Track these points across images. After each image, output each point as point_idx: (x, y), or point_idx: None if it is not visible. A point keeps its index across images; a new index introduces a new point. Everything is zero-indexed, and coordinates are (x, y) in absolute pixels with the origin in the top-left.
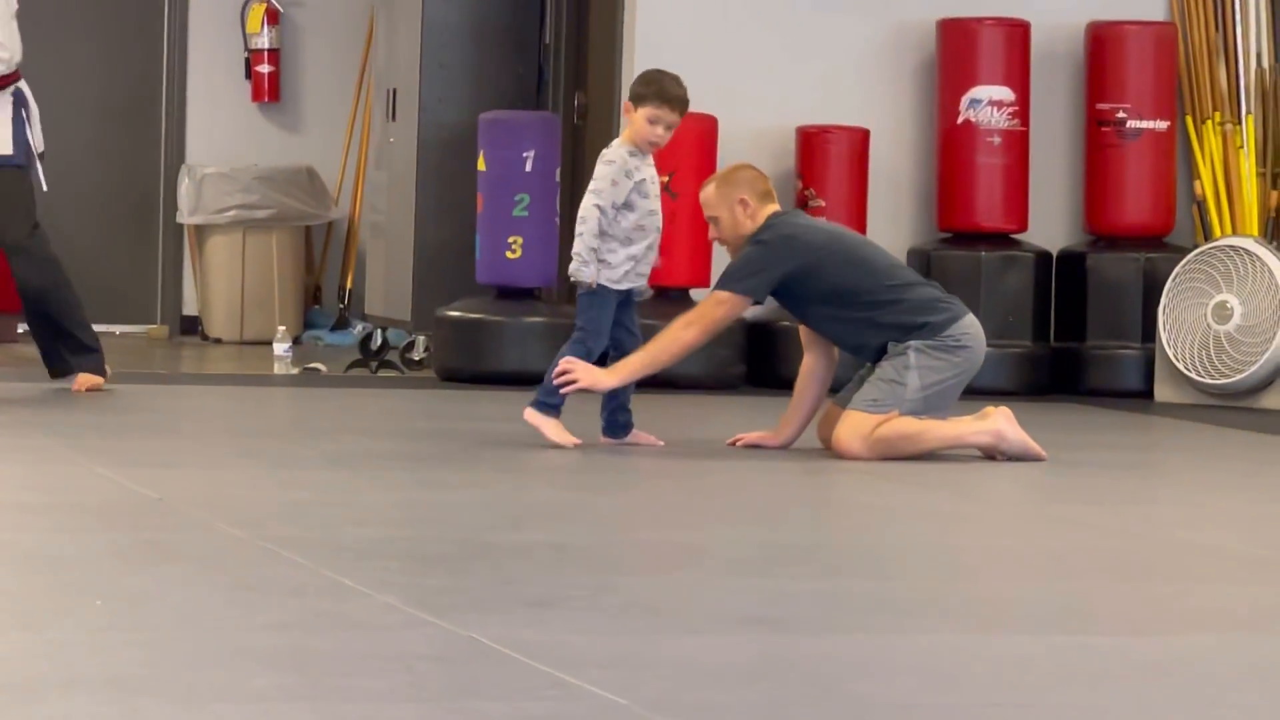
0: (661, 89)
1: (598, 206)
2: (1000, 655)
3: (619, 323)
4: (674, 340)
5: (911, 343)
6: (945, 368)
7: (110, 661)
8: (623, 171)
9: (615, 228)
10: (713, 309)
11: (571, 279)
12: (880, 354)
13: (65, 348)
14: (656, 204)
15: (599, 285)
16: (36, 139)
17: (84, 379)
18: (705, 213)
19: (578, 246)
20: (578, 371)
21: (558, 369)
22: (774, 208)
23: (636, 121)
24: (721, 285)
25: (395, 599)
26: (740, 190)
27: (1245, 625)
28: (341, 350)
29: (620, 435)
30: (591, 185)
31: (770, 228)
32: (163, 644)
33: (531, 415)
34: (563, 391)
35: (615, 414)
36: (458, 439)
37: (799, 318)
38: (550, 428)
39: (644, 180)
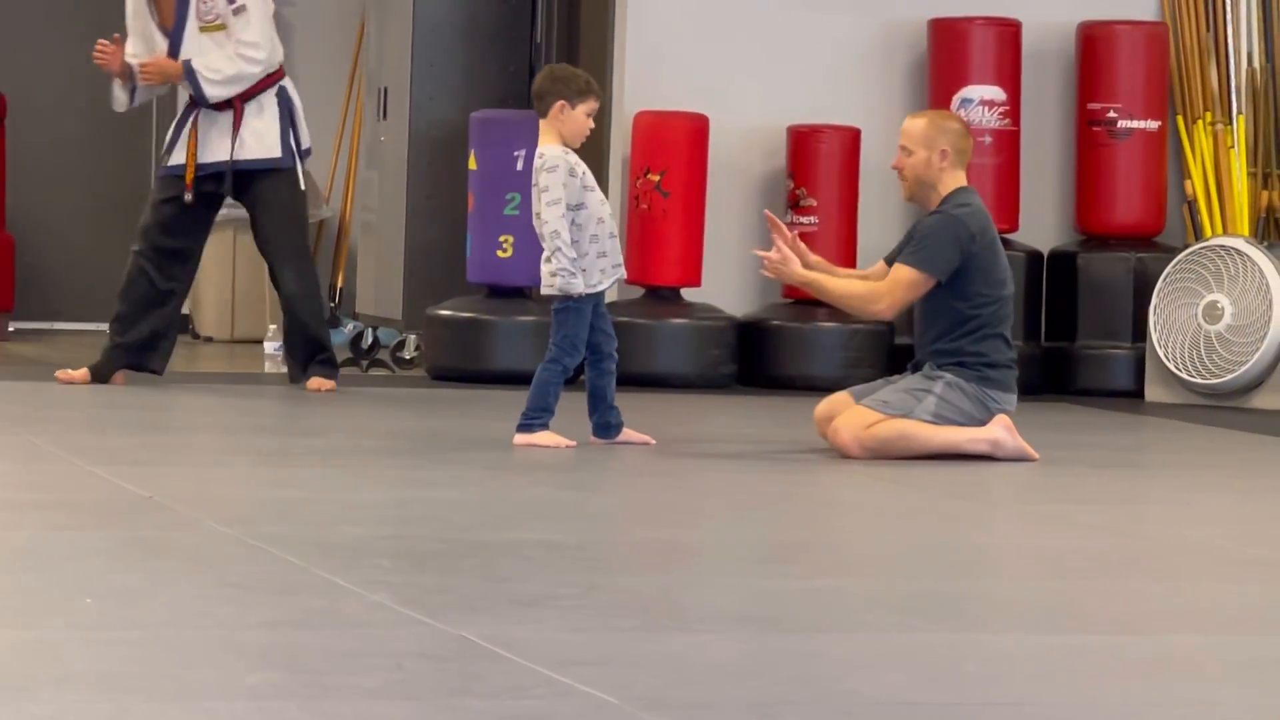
0: (590, 83)
1: (563, 216)
2: (991, 653)
3: (593, 326)
4: (868, 305)
5: (946, 374)
6: (961, 413)
7: (101, 659)
8: (567, 172)
9: (578, 230)
10: (908, 289)
11: (560, 292)
12: (924, 365)
13: (308, 354)
14: (599, 191)
15: (579, 295)
16: (303, 137)
17: (319, 382)
18: (903, 141)
19: (559, 262)
20: (776, 260)
21: (767, 255)
22: (962, 175)
23: (575, 119)
24: (915, 263)
25: (386, 597)
26: (947, 140)
27: (1235, 624)
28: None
29: (611, 435)
30: (545, 197)
31: (968, 205)
32: (154, 642)
33: (520, 439)
34: (768, 271)
35: (605, 414)
36: (449, 438)
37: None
38: (542, 439)
39: (585, 172)
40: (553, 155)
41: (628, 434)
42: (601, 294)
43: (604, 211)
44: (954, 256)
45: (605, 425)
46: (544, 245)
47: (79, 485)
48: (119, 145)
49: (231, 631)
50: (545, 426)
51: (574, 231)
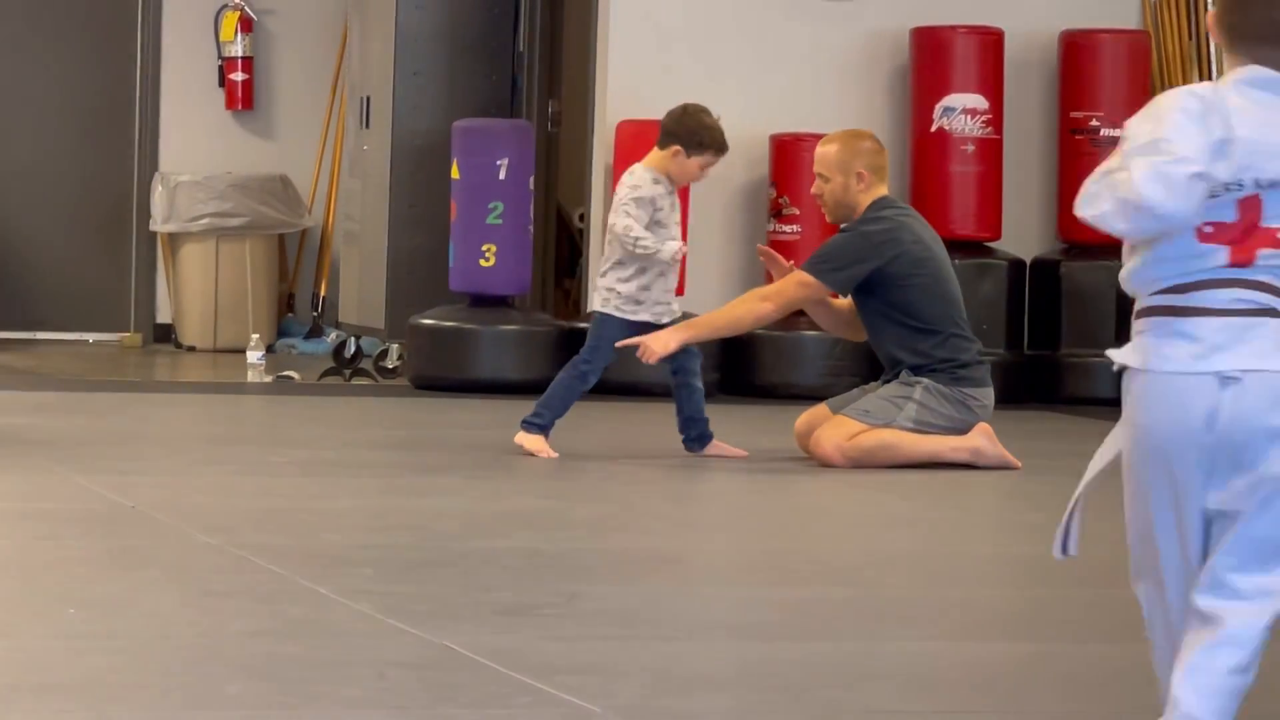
0: (716, 140)
1: (630, 214)
2: (974, 661)
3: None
4: (749, 311)
5: (924, 380)
6: (943, 417)
7: (83, 668)
8: (648, 200)
9: (627, 257)
10: (795, 288)
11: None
12: (897, 372)
13: None
14: (675, 232)
15: (604, 311)
16: None
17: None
18: (817, 168)
19: (646, 247)
20: (647, 344)
21: (631, 344)
22: (884, 189)
23: (686, 166)
24: (812, 268)
25: (369, 606)
26: (861, 161)
27: None
28: (315, 358)
29: (700, 448)
30: (624, 209)
31: (879, 220)
32: (136, 651)
33: (518, 437)
34: (645, 359)
35: (690, 427)
36: (431, 447)
37: (856, 301)
38: (530, 443)
39: (662, 209)
40: (642, 178)
41: (718, 445)
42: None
43: (665, 249)
44: (854, 270)
45: (694, 438)
46: (608, 252)
47: (61, 495)
48: (101, 154)
49: (213, 641)
50: (541, 430)
51: (623, 255)
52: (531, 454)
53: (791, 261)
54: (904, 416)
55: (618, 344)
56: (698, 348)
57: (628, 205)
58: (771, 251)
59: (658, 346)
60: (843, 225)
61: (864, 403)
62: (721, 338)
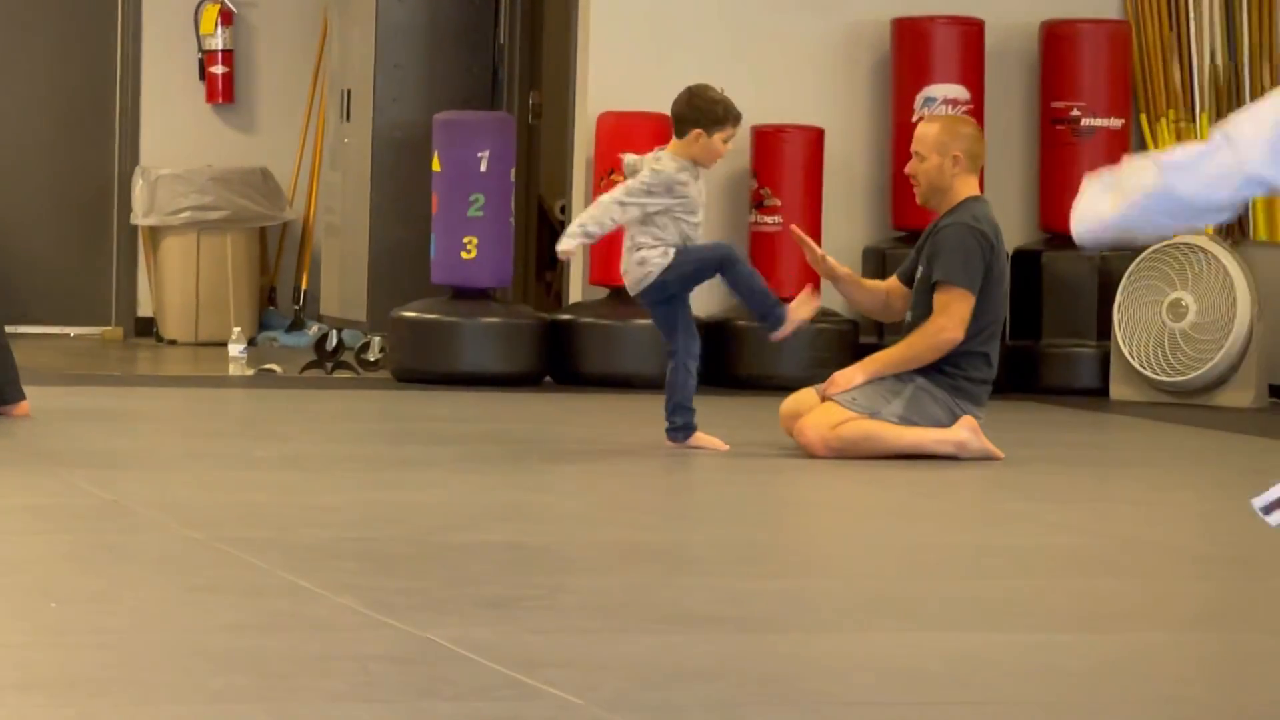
0: (728, 110)
1: (621, 204)
2: (957, 652)
3: (680, 324)
4: (932, 347)
5: (919, 379)
6: (929, 419)
7: (66, 664)
8: (665, 185)
9: (663, 240)
10: (962, 307)
11: (557, 248)
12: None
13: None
14: (699, 215)
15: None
16: None
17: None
18: (915, 147)
19: (580, 219)
20: (835, 381)
21: (821, 390)
22: (974, 180)
23: (711, 146)
24: (955, 280)
25: (352, 600)
26: (960, 145)
27: (1201, 622)
28: (297, 351)
29: (683, 438)
30: (630, 183)
31: (985, 219)
32: (119, 646)
33: (699, 439)
34: (830, 394)
35: (676, 415)
36: (414, 440)
37: (917, 291)
38: (701, 440)
39: (688, 197)
40: (666, 165)
41: (700, 438)
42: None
43: (696, 235)
44: (981, 267)
45: (680, 428)
46: (629, 233)
47: (43, 488)
48: (81, 148)
49: (197, 635)
50: (692, 430)
51: (659, 235)
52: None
53: (823, 251)
54: (890, 410)
55: (775, 338)
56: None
57: (628, 183)
58: (801, 234)
59: (844, 383)
60: (940, 216)
61: (853, 390)
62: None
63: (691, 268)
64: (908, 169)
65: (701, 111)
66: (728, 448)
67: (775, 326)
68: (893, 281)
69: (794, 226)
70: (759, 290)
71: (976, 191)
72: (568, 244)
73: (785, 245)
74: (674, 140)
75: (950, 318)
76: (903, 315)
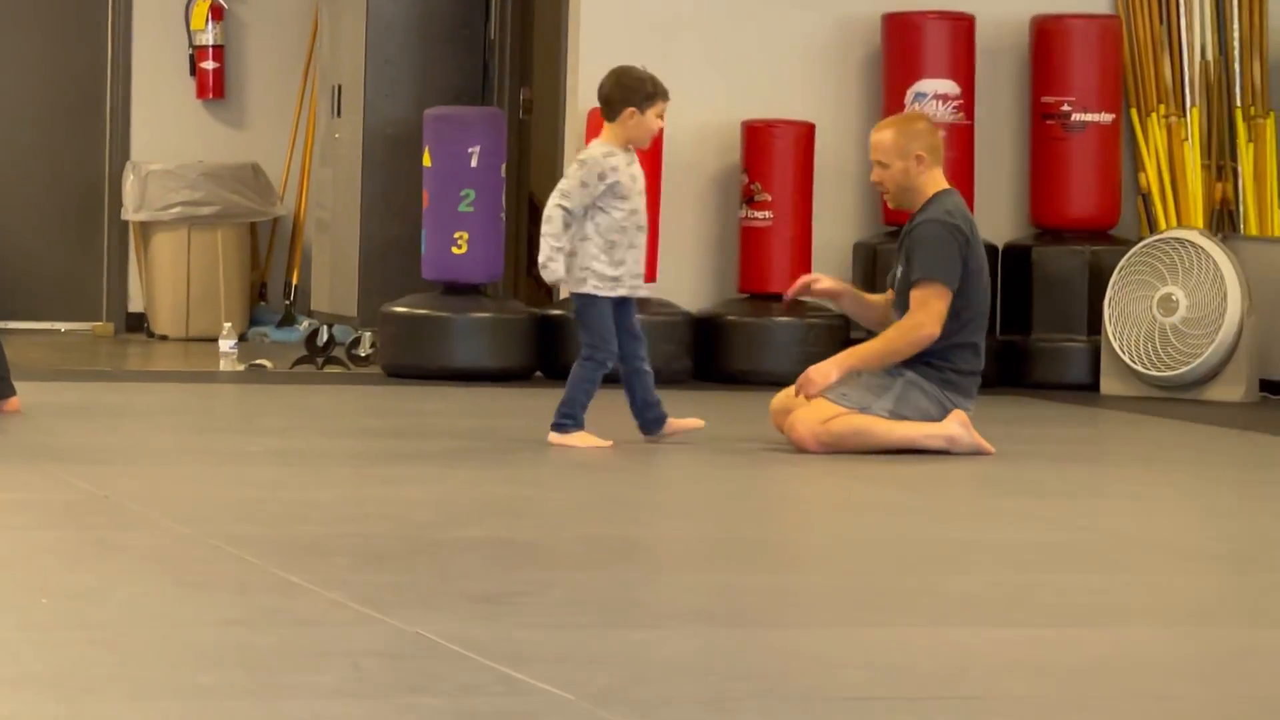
0: (656, 85)
1: (562, 207)
2: (947, 648)
3: (620, 326)
4: (910, 342)
5: (909, 372)
6: (919, 412)
7: (56, 659)
8: (595, 174)
9: (596, 232)
10: (939, 303)
11: (543, 279)
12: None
13: None
14: (639, 202)
15: (584, 292)
16: None
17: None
18: (875, 156)
19: (542, 248)
20: (810, 378)
21: (797, 387)
22: (940, 172)
23: (644, 123)
24: (932, 276)
25: (342, 595)
26: (918, 143)
27: (1192, 617)
28: (287, 347)
29: (657, 430)
30: (560, 185)
31: (957, 212)
32: (109, 641)
33: (554, 437)
34: (807, 394)
35: (645, 411)
36: (404, 435)
37: (899, 284)
38: (576, 439)
39: (618, 182)
40: (590, 153)
41: (673, 424)
42: (624, 300)
43: (631, 222)
44: (959, 262)
45: (650, 421)
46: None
47: (33, 484)
48: (72, 143)
49: (187, 630)
50: (579, 426)
51: (590, 232)
52: (586, 447)
53: (812, 276)
54: (881, 405)
55: (550, 439)
56: (642, 332)
57: (566, 181)
58: (792, 292)
59: (820, 380)
60: (914, 214)
61: (843, 386)
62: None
63: (579, 318)
64: (873, 178)
65: (631, 90)
66: (703, 423)
67: (553, 428)
68: (890, 294)
69: (787, 295)
70: (567, 393)
71: (944, 184)
72: (555, 271)
73: (775, 240)
74: (605, 127)
75: (928, 314)
76: None
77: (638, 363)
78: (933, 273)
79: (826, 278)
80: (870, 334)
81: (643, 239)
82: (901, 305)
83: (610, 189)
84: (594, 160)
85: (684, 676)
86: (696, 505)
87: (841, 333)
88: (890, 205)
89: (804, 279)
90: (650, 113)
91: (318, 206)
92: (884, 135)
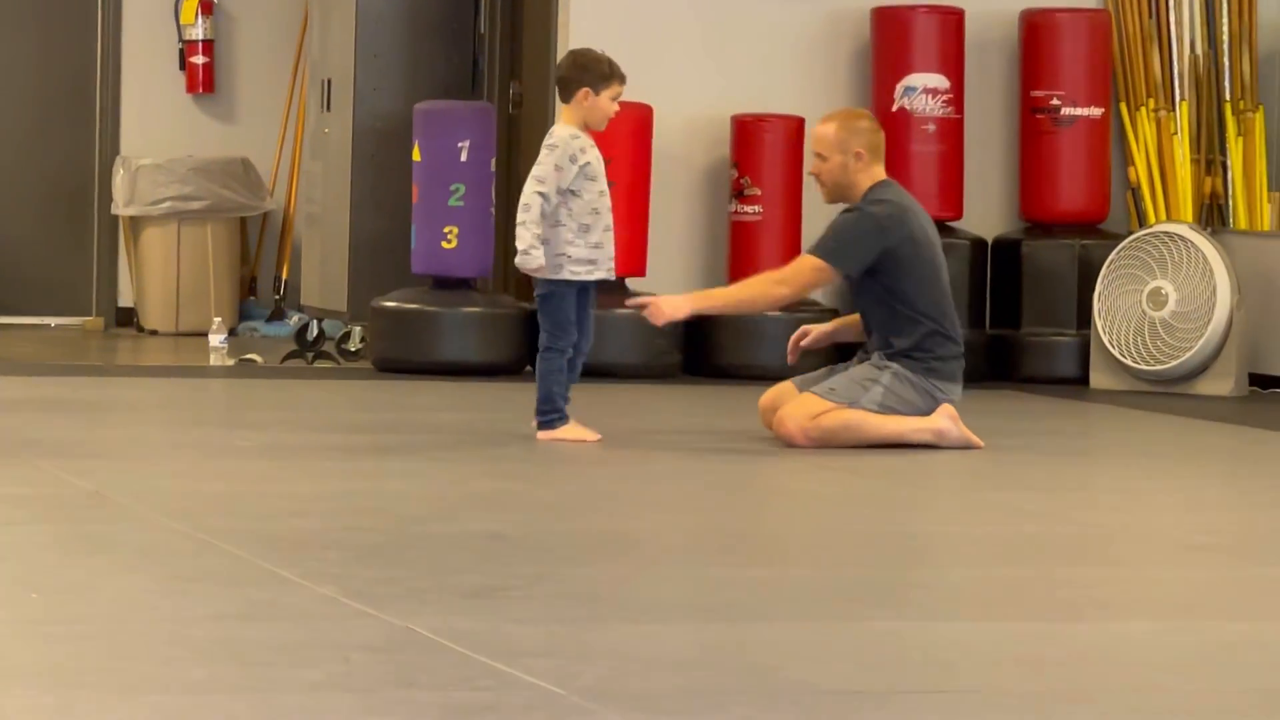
0: (613, 67)
1: (540, 194)
2: (938, 641)
3: (576, 316)
4: (764, 294)
5: (894, 364)
6: (908, 405)
7: (46, 654)
8: (567, 156)
9: (570, 216)
10: (810, 273)
11: (520, 269)
12: (875, 354)
13: None
14: (604, 184)
15: (559, 280)
16: None
17: None
18: (815, 148)
19: (521, 235)
20: (659, 305)
21: (647, 311)
22: (880, 169)
23: (599, 104)
24: (823, 253)
25: (332, 590)
26: (859, 140)
27: (1180, 610)
28: (277, 341)
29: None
30: (534, 171)
31: (884, 202)
32: (99, 636)
33: (544, 435)
34: (654, 320)
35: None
36: (394, 430)
37: (852, 282)
38: (565, 432)
39: (589, 163)
40: (558, 135)
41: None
42: (587, 285)
43: (601, 204)
44: (865, 253)
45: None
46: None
47: (23, 478)
48: (62, 138)
49: (177, 625)
50: (565, 420)
51: (564, 217)
52: (575, 440)
53: (801, 331)
54: (869, 399)
55: (629, 302)
56: (591, 329)
57: (540, 167)
58: (791, 354)
59: (669, 310)
60: (844, 207)
61: (832, 380)
62: (730, 314)
63: (538, 305)
64: (811, 169)
65: (586, 69)
66: (599, 437)
67: (540, 425)
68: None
69: (790, 360)
70: (541, 388)
71: (882, 178)
72: (537, 258)
73: (765, 235)
74: (562, 109)
75: (794, 277)
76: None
77: (577, 356)
78: (818, 249)
79: (813, 327)
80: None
81: (611, 221)
82: (859, 298)
83: (582, 171)
84: (565, 142)
85: (674, 670)
86: (687, 499)
87: None
88: (825, 200)
89: (794, 340)
90: (605, 94)
91: (307, 201)
92: (827, 128)
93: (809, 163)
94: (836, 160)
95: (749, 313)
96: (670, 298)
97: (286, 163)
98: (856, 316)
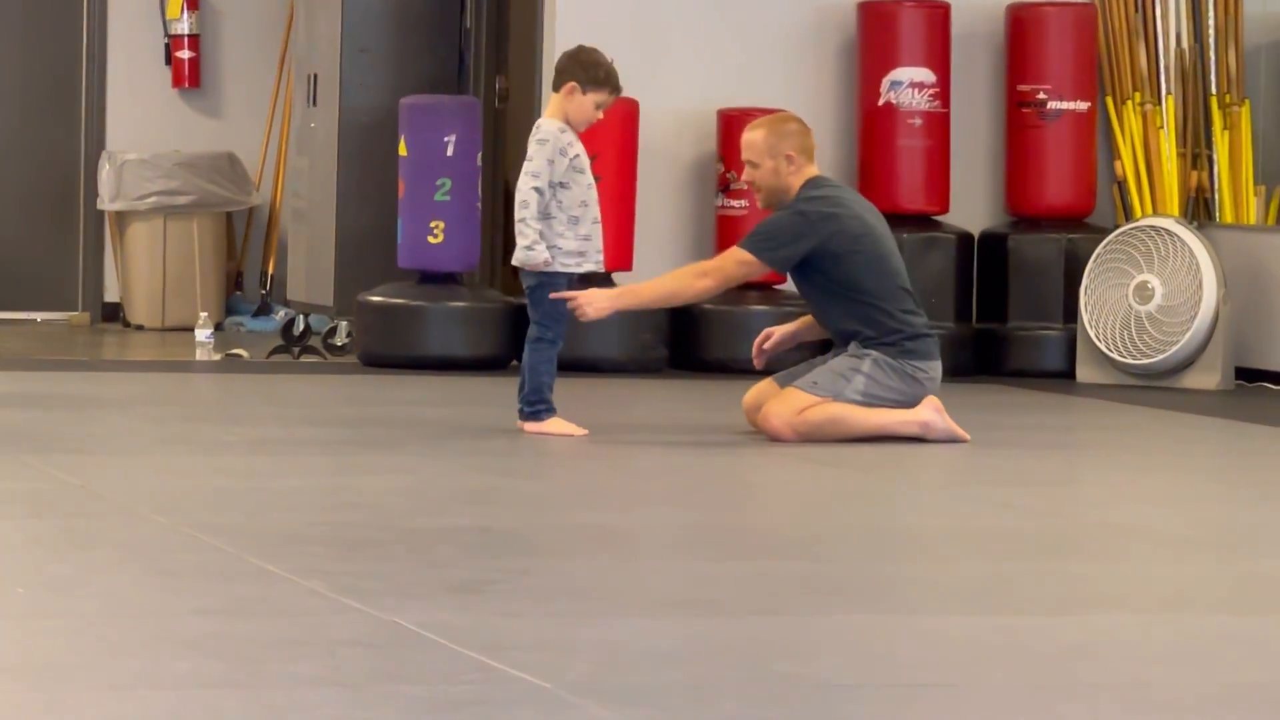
0: (612, 77)
1: (536, 189)
2: (925, 635)
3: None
4: (688, 286)
5: (873, 352)
6: (892, 390)
7: (33, 649)
8: (557, 149)
9: (560, 209)
10: (734, 266)
11: (523, 266)
12: (848, 345)
13: None
14: (592, 177)
15: (550, 271)
16: None
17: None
18: (745, 156)
19: (524, 232)
20: (582, 301)
21: (568, 300)
22: (813, 169)
23: (582, 104)
24: (750, 246)
25: (319, 584)
26: (789, 144)
27: (1165, 604)
28: (264, 336)
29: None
30: (527, 167)
31: (814, 200)
32: (86, 631)
33: (531, 427)
34: (580, 317)
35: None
36: (381, 424)
37: (798, 282)
38: (552, 426)
39: (578, 155)
40: (547, 129)
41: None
42: (573, 276)
43: (590, 196)
44: (791, 249)
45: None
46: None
47: (9, 474)
48: (47, 133)
49: (164, 620)
50: (552, 413)
51: (554, 210)
52: (561, 434)
53: (765, 334)
54: (852, 389)
55: (552, 295)
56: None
57: (533, 162)
58: (757, 354)
59: (592, 311)
60: (777, 208)
61: (813, 374)
62: (655, 308)
63: (527, 297)
64: (744, 177)
65: (582, 66)
66: (586, 432)
67: (523, 417)
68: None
69: (757, 365)
70: (530, 380)
71: (813, 174)
72: (541, 252)
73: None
74: (551, 99)
75: (718, 269)
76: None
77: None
78: (746, 243)
79: (776, 330)
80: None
81: (599, 213)
82: (809, 299)
83: (572, 163)
84: (554, 136)
85: (662, 664)
86: (673, 493)
87: None
88: (760, 205)
89: (758, 344)
90: (591, 97)
91: (293, 196)
92: (755, 135)
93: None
94: (768, 165)
95: (674, 305)
96: (594, 292)
97: (273, 157)
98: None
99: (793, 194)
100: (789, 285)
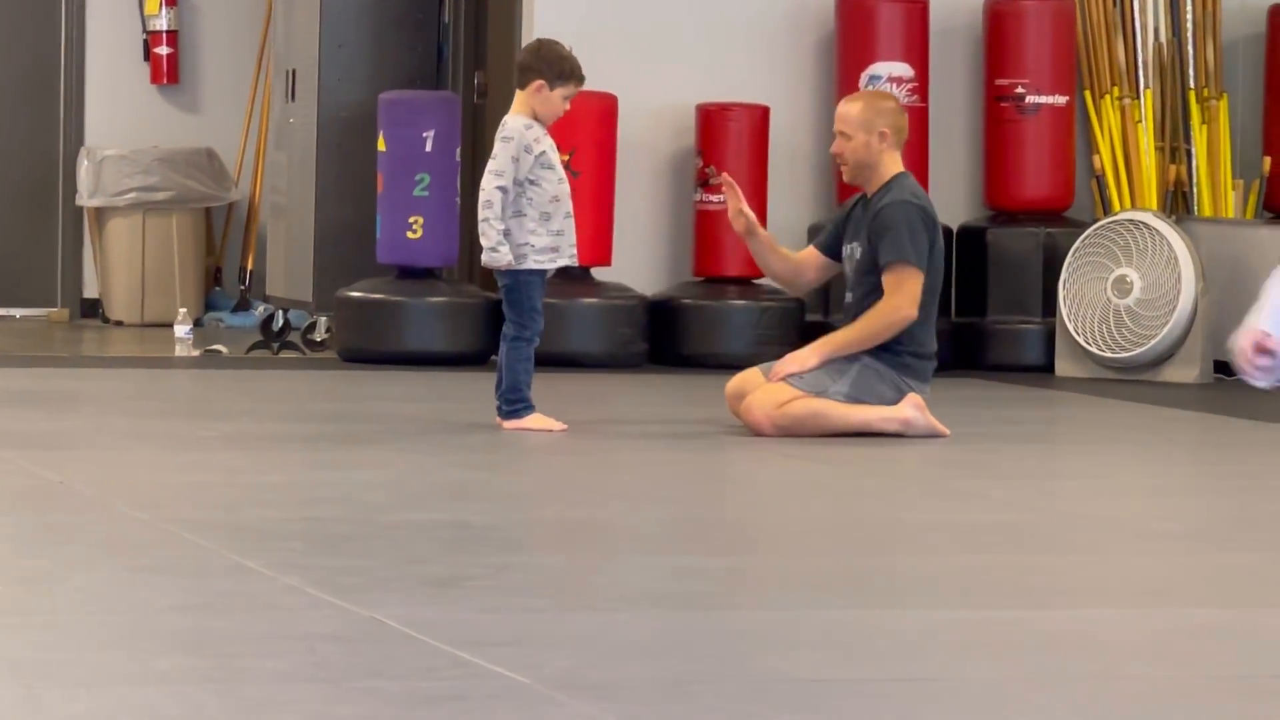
0: (577, 70)
1: (500, 188)
2: (904, 629)
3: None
4: (890, 326)
5: (865, 357)
6: (875, 395)
7: (11, 645)
8: (522, 146)
9: (530, 205)
10: (913, 285)
11: (488, 266)
12: None
13: None
14: (562, 171)
15: (523, 269)
16: None
17: None
18: (839, 127)
19: (487, 233)
20: (784, 365)
21: (773, 373)
22: (899, 154)
23: (551, 100)
24: (903, 258)
25: (297, 580)
26: (884, 120)
27: (1144, 598)
28: (243, 332)
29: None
30: (491, 165)
31: (920, 195)
32: (64, 627)
33: (510, 424)
34: (783, 378)
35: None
36: (360, 420)
37: (858, 261)
38: (532, 422)
39: (544, 151)
40: (512, 126)
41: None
42: (548, 272)
43: (561, 191)
44: (927, 244)
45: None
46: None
47: None
48: (26, 129)
49: (142, 616)
50: (531, 409)
51: (525, 207)
52: (541, 429)
53: (748, 212)
54: (836, 389)
55: (771, 377)
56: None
57: (496, 160)
58: (730, 180)
59: (797, 365)
60: (875, 194)
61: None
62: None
63: (503, 296)
64: (834, 149)
65: (547, 62)
66: (566, 426)
67: (501, 414)
68: (809, 252)
69: (725, 174)
70: (508, 378)
71: (901, 167)
72: (506, 253)
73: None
74: (517, 95)
75: (904, 296)
76: (811, 286)
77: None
78: (906, 254)
79: (752, 216)
80: (825, 306)
81: (571, 207)
82: (861, 284)
83: (538, 160)
84: (519, 133)
85: (641, 659)
86: (653, 488)
87: (796, 315)
88: (845, 179)
89: (743, 205)
90: (559, 92)
91: (272, 191)
92: (852, 107)
93: (834, 143)
94: (860, 139)
95: (875, 345)
96: (796, 354)
97: (251, 153)
98: (788, 252)
99: (879, 174)
100: (767, 281)
